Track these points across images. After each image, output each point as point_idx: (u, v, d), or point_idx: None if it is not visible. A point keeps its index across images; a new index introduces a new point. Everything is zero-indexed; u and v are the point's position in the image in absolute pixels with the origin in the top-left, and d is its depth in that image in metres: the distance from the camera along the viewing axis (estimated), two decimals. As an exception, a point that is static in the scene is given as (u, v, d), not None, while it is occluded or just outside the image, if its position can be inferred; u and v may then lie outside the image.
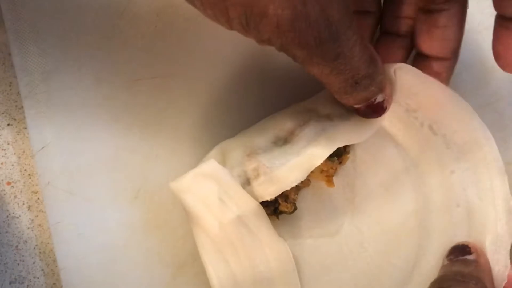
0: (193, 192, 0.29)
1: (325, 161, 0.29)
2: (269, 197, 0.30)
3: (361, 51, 0.25)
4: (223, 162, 0.30)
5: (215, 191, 0.29)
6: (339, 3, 0.23)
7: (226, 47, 0.34)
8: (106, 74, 0.33)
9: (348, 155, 0.33)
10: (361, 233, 0.33)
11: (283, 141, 0.30)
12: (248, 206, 0.29)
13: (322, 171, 0.32)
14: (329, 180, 0.33)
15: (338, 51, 0.24)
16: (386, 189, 0.33)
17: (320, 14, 0.23)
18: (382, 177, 0.33)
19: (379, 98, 0.28)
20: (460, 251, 0.30)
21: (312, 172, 0.30)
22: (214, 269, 0.30)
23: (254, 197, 0.29)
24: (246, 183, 0.30)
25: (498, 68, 0.34)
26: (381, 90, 0.28)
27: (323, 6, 0.23)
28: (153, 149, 0.33)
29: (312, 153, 0.29)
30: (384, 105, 0.29)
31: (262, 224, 0.30)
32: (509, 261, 0.29)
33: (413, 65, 0.31)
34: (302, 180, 0.30)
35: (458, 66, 0.32)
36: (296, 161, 0.29)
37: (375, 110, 0.29)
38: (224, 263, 0.30)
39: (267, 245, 0.31)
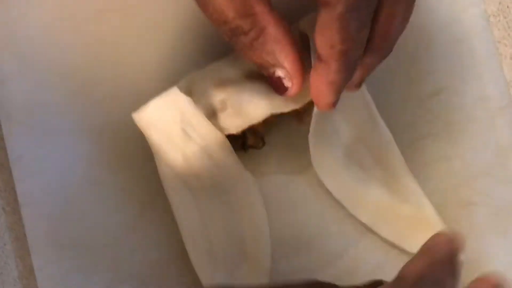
0: (156, 124, 0.28)
1: None
2: (235, 130, 0.29)
3: None
4: (189, 93, 0.29)
5: (178, 121, 0.28)
6: None
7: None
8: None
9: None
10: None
11: (256, 76, 0.30)
12: (213, 138, 0.28)
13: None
14: (300, 117, 0.32)
15: None
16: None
17: None
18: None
19: (278, 73, 0.27)
20: None
21: None
22: (179, 203, 0.29)
23: (220, 129, 0.29)
24: (212, 115, 0.29)
25: (472, 4, 0.34)
26: (277, 63, 0.26)
27: None
28: (118, 83, 0.32)
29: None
30: (285, 85, 0.27)
31: (227, 156, 0.29)
32: None
33: None
34: (271, 114, 0.29)
35: (430, 3, 0.32)
36: (267, 96, 0.28)
37: (275, 85, 0.27)
38: (189, 196, 0.29)
39: (233, 178, 0.30)
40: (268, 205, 0.32)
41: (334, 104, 0.27)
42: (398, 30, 0.27)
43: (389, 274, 0.32)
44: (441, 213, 0.32)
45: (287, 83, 0.27)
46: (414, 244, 0.30)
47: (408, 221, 0.31)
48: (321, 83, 0.26)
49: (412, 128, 0.33)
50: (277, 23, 0.26)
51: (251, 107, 0.28)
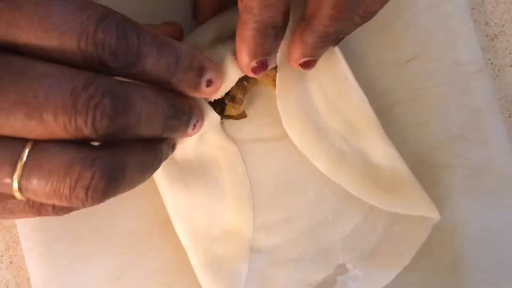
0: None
1: None
2: (215, 95, 0.29)
3: None
4: None
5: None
6: None
7: None
8: None
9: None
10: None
11: (227, 37, 0.30)
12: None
13: (267, 75, 0.32)
14: (275, 83, 0.32)
15: None
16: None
17: None
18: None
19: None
20: None
21: None
22: (167, 183, 0.30)
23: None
24: None
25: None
26: None
27: None
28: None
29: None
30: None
31: (207, 123, 0.30)
32: None
33: None
34: (247, 81, 0.30)
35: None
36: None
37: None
38: (171, 160, 0.30)
39: (215, 146, 0.31)
40: (249, 172, 0.32)
41: (254, 69, 0.27)
42: (332, 11, 0.26)
43: (367, 236, 0.33)
44: (419, 175, 0.32)
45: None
46: (393, 204, 0.31)
47: (385, 184, 0.32)
48: (238, 39, 0.27)
49: (389, 93, 0.34)
50: None
51: (226, 70, 0.28)
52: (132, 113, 0.22)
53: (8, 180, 0.21)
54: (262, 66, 0.28)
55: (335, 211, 0.33)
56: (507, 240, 0.34)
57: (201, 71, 0.26)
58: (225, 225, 0.32)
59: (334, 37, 0.28)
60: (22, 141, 0.21)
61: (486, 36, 0.36)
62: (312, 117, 0.32)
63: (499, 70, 0.36)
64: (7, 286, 0.32)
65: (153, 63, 0.23)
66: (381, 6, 0.28)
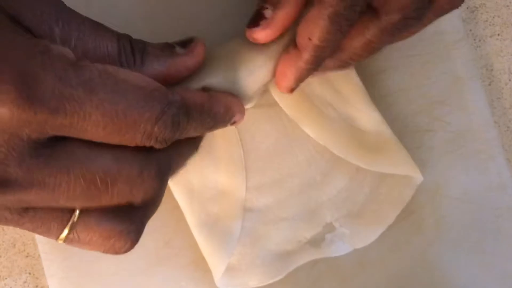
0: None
1: None
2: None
3: None
4: None
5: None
6: None
7: None
8: None
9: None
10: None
11: None
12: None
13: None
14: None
15: None
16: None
17: None
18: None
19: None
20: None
21: None
22: None
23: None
24: None
25: None
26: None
27: None
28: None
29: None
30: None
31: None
32: None
33: None
34: None
35: None
36: None
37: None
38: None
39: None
40: (241, 137, 0.34)
41: (292, 90, 0.30)
42: (361, 51, 0.29)
43: (353, 197, 0.35)
44: (402, 139, 0.34)
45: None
46: (377, 165, 0.33)
47: (370, 146, 0.33)
48: (288, 66, 0.29)
49: (372, 62, 0.35)
50: None
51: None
52: (173, 175, 0.27)
53: (55, 236, 0.24)
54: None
55: (323, 173, 0.35)
56: (486, 200, 0.36)
57: (230, 119, 0.28)
58: (218, 186, 0.34)
59: (349, 66, 0.30)
60: (71, 209, 0.23)
61: (467, 8, 0.38)
62: (300, 85, 0.34)
63: (479, 40, 0.38)
64: None
65: (194, 131, 0.26)
66: (366, 57, 0.30)
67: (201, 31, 0.31)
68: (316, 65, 0.29)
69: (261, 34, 0.28)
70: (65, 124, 0.21)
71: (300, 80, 0.29)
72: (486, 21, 0.38)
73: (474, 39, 0.38)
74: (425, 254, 0.36)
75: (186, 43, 0.28)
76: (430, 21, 0.29)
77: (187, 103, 0.25)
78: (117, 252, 0.25)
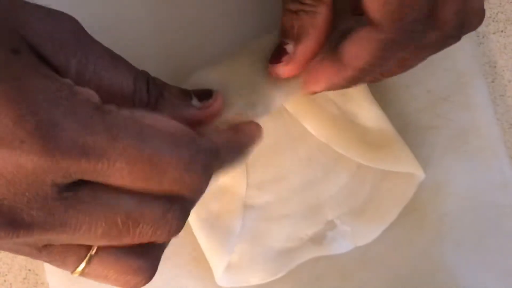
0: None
1: None
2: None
3: None
4: None
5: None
6: None
7: None
8: None
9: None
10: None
11: None
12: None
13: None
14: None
15: None
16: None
17: None
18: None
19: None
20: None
21: None
22: None
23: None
24: None
25: None
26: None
27: None
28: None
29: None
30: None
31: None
32: None
33: None
34: None
35: None
36: None
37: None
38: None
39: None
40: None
41: (315, 93, 0.29)
42: (396, 67, 0.29)
43: (355, 194, 0.35)
44: (404, 136, 0.34)
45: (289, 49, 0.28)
46: (379, 161, 0.33)
47: (372, 143, 0.33)
48: (324, 75, 0.28)
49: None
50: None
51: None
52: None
53: (70, 269, 0.23)
54: None
55: (324, 170, 0.34)
56: (488, 197, 0.36)
57: (253, 145, 0.29)
58: (219, 183, 0.33)
59: (356, 83, 0.29)
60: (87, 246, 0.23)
61: (471, 4, 0.37)
62: None
63: (483, 37, 0.38)
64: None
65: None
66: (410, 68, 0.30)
67: (211, 40, 0.32)
68: (353, 84, 0.28)
69: (283, 70, 0.28)
70: (89, 170, 0.21)
71: (329, 89, 0.29)
72: (490, 17, 0.38)
73: (478, 36, 0.37)
74: (427, 251, 0.35)
75: (204, 96, 0.27)
76: (437, 44, 0.28)
77: (217, 147, 0.24)
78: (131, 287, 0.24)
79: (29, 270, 0.34)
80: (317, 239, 0.34)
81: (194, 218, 0.33)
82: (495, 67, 0.37)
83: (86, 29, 0.26)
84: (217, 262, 0.33)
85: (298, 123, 0.33)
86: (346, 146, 0.33)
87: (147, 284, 0.32)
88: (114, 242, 0.23)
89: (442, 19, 0.26)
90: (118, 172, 0.21)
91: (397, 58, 0.27)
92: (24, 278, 0.34)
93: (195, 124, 0.26)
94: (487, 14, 0.37)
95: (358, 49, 0.26)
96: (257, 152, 0.34)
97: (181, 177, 0.22)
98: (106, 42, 0.25)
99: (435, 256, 0.35)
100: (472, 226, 0.36)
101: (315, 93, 0.29)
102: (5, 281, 0.34)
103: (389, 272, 0.35)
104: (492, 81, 0.37)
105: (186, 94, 0.27)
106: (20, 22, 0.22)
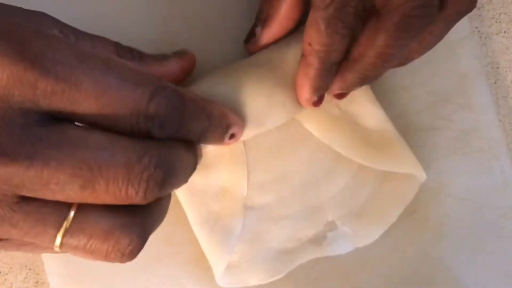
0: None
1: None
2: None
3: None
4: None
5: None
6: None
7: None
8: None
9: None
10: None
11: None
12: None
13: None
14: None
15: None
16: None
17: None
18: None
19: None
20: None
21: None
22: None
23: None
24: None
25: None
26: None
27: None
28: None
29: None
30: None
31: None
32: None
33: None
34: None
35: None
36: None
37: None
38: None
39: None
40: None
41: (314, 102, 0.30)
42: (376, 59, 0.28)
43: (355, 195, 0.35)
44: (405, 137, 0.34)
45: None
46: (380, 163, 0.33)
47: (373, 144, 0.33)
48: (301, 77, 0.29)
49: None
50: None
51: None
52: (176, 179, 0.24)
53: (51, 237, 0.22)
54: (321, 99, 0.30)
55: (325, 171, 0.34)
56: (489, 199, 0.36)
57: (227, 128, 0.27)
58: (220, 183, 0.33)
59: (372, 79, 0.30)
60: (67, 204, 0.22)
61: (473, 5, 0.37)
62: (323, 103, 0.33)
63: (485, 38, 0.37)
64: None
65: (190, 130, 0.25)
66: (420, 55, 0.30)
67: (211, 40, 0.33)
68: (326, 71, 0.29)
69: (249, 48, 0.32)
70: (57, 91, 0.20)
71: (315, 88, 0.29)
72: (492, 18, 0.37)
73: (480, 37, 0.37)
74: (428, 253, 0.35)
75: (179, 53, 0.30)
76: (445, 26, 0.29)
77: (182, 93, 0.24)
78: (122, 254, 0.23)
79: (30, 269, 0.35)
80: (317, 240, 0.34)
81: (194, 218, 0.33)
82: (497, 68, 0.37)
83: (85, 29, 0.26)
84: (217, 262, 0.33)
85: (299, 124, 0.33)
86: (348, 147, 0.33)
87: (147, 285, 0.32)
88: (88, 191, 0.21)
89: None
90: (86, 96, 0.21)
91: (370, 47, 0.28)
92: (25, 278, 0.35)
93: (174, 77, 0.30)
94: (490, 14, 0.37)
95: (308, 34, 0.28)
96: (258, 153, 0.34)
97: (146, 108, 0.22)
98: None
99: (436, 258, 0.35)
100: (472, 227, 0.36)
101: (312, 102, 0.30)
102: (5, 280, 0.34)
103: (389, 274, 0.35)
104: (495, 82, 0.37)
105: (163, 54, 0.30)
106: None
